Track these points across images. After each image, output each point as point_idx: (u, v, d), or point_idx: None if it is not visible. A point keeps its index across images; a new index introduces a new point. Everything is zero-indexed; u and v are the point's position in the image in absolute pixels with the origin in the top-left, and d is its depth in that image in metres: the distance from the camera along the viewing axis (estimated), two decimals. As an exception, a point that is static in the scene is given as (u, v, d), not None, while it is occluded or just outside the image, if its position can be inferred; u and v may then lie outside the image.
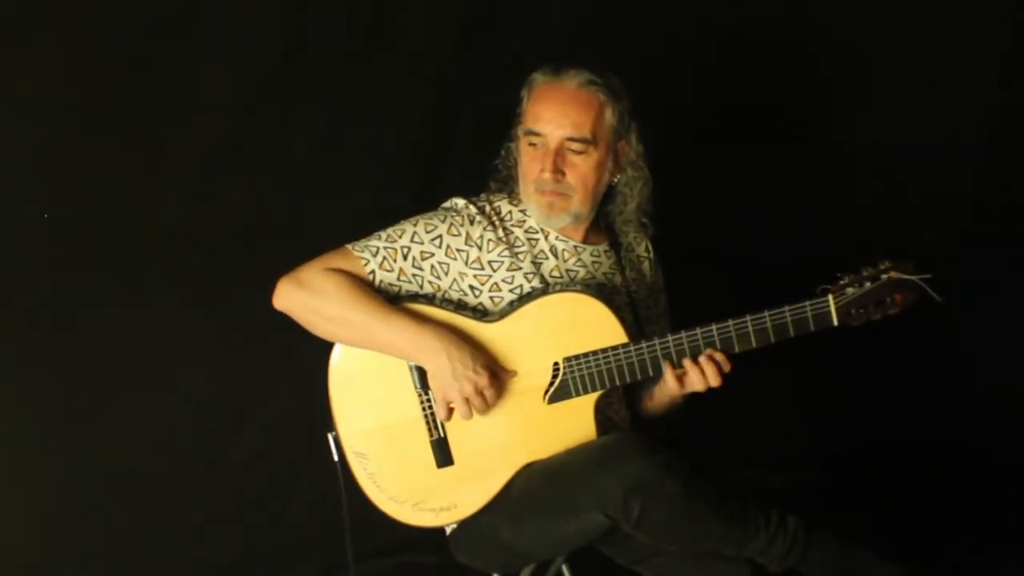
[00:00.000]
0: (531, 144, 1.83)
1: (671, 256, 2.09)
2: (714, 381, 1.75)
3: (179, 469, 2.49)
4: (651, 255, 2.03)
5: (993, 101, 3.00)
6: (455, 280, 1.81)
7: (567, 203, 1.84)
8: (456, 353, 1.71)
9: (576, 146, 1.81)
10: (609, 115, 1.84)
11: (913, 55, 2.95)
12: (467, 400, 1.72)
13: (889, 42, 2.94)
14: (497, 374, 1.76)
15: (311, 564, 2.54)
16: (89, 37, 2.27)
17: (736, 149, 2.91)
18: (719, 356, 1.74)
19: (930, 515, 2.60)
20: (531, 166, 1.83)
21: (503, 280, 1.82)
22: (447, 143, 2.64)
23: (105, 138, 2.33)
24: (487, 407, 1.74)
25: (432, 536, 1.92)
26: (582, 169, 1.82)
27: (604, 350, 1.76)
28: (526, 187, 1.86)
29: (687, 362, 1.74)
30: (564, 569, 2.11)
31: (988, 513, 2.61)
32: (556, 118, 1.80)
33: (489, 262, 1.82)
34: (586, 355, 1.76)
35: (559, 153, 1.81)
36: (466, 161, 2.56)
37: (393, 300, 1.79)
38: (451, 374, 1.71)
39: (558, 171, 1.81)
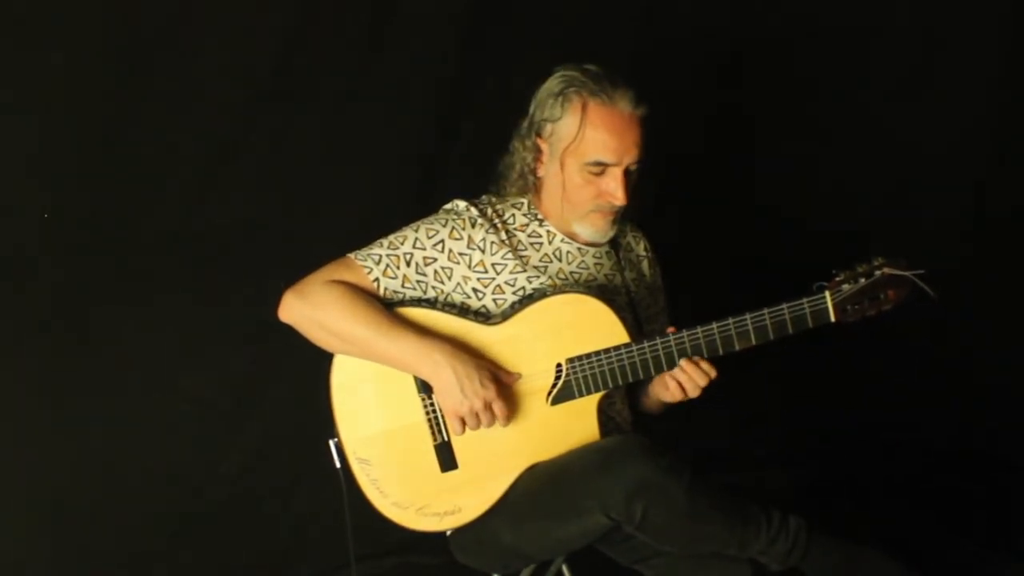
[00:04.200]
0: (593, 173, 1.79)
1: (670, 256, 2.09)
2: (692, 392, 1.78)
3: (179, 469, 2.49)
4: (650, 254, 2.04)
5: (993, 100, 3.01)
6: (458, 284, 1.81)
7: (619, 215, 1.86)
8: (462, 369, 1.70)
9: (635, 167, 1.81)
10: (647, 125, 1.82)
11: (914, 52, 2.96)
12: (477, 415, 1.72)
13: (889, 40, 2.94)
14: (503, 380, 1.75)
15: (311, 564, 2.54)
16: (89, 37, 2.27)
17: (735, 149, 2.91)
18: (704, 364, 1.76)
19: (931, 514, 2.60)
20: (587, 190, 1.80)
21: (506, 282, 1.82)
22: (448, 143, 2.64)
23: (105, 138, 2.33)
24: (495, 419, 1.74)
25: (432, 537, 1.92)
26: (632, 182, 1.83)
27: (606, 350, 1.76)
28: (579, 208, 1.83)
29: (669, 374, 1.77)
30: (564, 569, 2.11)
31: (989, 512, 2.61)
32: (627, 148, 1.77)
33: (492, 265, 1.82)
34: (588, 356, 1.76)
35: (626, 177, 1.80)
36: (467, 161, 2.57)
37: (397, 303, 1.79)
38: (460, 390, 1.70)
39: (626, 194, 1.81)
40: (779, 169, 2.93)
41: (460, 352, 1.72)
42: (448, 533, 1.90)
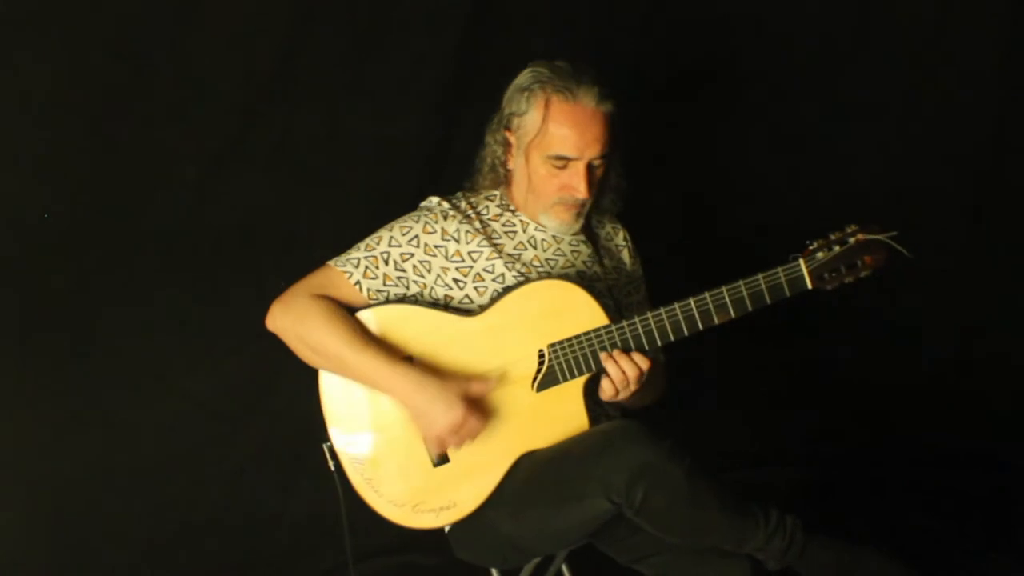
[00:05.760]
0: (556, 167, 1.84)
1: (643, 240, 2.11)
2: (621, 386, 1.76)
3: (179, 469, 2.49)
4: (629, 244, 2.07)
5: (993, 99, 3.01)
6: (438, 276, 1.84)
7: (585, 209, 1.89)
8: (431, 391, 1.72)
9: (599, 161, 1.85)
10: (614, 122, 1.86)
11: (914, 51, 2.96)
12: (454, 433, 1.74)
13: (888, 38, 2.95)
14: (475, 392, 1.76)
15: (311, 564, 2.54)
16: (89, 37, 2.27)
17: (731, 142, 2.92)
18: (636, 356, 1.76)
19: (931, 515, 2.60)
20: (551, 183, 1.85)
21: (484, 270, 1.84)
22: (447, 143, 2.64)
23: (105, 138, 2.33)
24: (475, 434, 1.75)
25: (432, 536, 1.92)
26: (598, 177, 1.88)
27: (587, 333, 1.78)
28: (543, 199, 1.87)
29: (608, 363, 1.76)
30: (564, 569, 2.11)
31: (988, 512, 2.61)
32: (588, 143, 1.82)
33: (469, 253, 1.85)
34: (569, 340, 1.78)
35: (590, 171, 1.84)
36: (466, 161, 2.57)
37: (380, 303, 1.82)
38: (430, 415, 1.72)
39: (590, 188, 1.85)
40: (776, 168, 2.93)
41: (427, 377, 1.73)
42: (447, 530, 1.90)
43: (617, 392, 1.77)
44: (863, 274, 1.75)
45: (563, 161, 1.83)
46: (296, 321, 1.78)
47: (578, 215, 1.88)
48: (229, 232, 2.47)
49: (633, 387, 1.77)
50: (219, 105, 2.41)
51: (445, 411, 1.71)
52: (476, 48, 2.61)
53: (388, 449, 1.81)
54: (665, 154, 2.76)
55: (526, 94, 1.85)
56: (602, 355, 1.76)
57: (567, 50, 1.92)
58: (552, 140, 1.82)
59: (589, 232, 1.99)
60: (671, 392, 2.03)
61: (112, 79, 2.30)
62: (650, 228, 2.14)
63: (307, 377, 1.87)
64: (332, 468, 1.83)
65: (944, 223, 3.02)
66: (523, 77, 1.88)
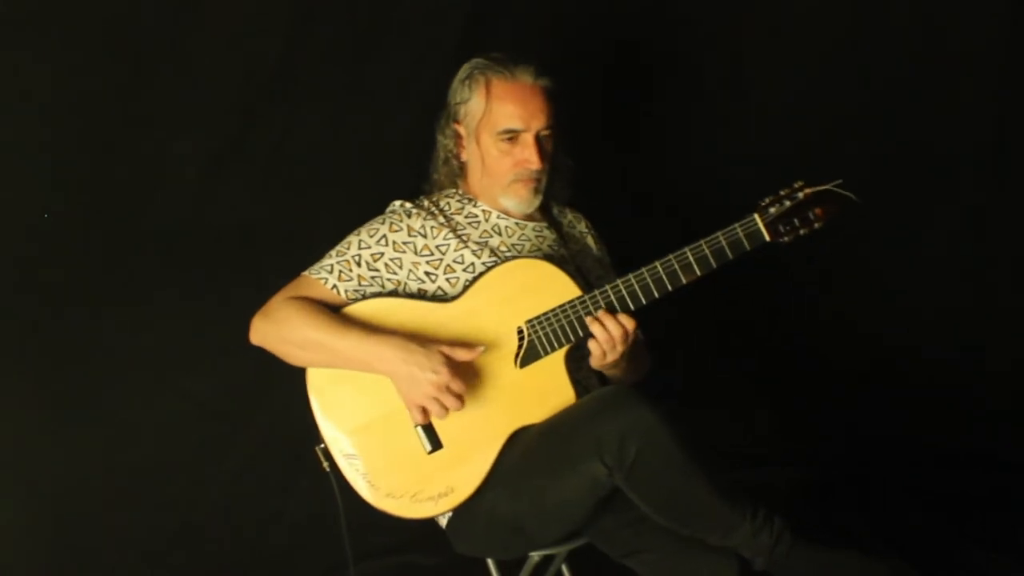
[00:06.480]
0: (506, 142, 1.92)
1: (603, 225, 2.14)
2: (609, 348, 1.79)
3: (179, 469, 2.49)
4: (592, 231, 2.12)
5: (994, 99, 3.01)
6: (410, 271, 1.88)
7: (541, 184, 1.97)
8: (412, 358, 1.74)
9: (546, 132, 1.93)
10: (554, 97, 1.94)
11: (915, 50, 2.96)
12: (436, 400, 1.75)
13: (889, 37, 2.95)
14: (460, 359, 1.77)
15: (311, 564, 2.54)
16: (89, 37, 2.27)
17: (729, 137, 2.92)
18: (622, 316, 1.80)
19: (930, 514, 2.60)
20: (504, 161, 1.93)
21: (454, 261, 1.89)
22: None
23: (105, 138, 2.33)
24: (459, 402, 1.76)
25: (431, 536, 1.92)
26: (548, 151, 1.96)
27: (561, 306, 1.82)
28: (500, 179, 1.94)
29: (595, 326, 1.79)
30: (564, 569, 2.11)
31: (988, 512, 2.60)
32: (533, 114, 1.90)
33: (437, 246, 1.90)
34: (545, 314, 1.82)
35: (539, 143, 1.92)
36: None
37: (359, 300, 1.86)
38: (412, 380, 1.74)
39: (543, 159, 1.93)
40: (772, 168, 2.93)
41: (410, 343, 1.76)
42: (446, 525, 1.90)
43: (604, 354, 1.80)
44: (817, 225, 1.81)
45: (512, 135, 1.91)
46: (276, 324, 1.82)
47: (536, 190, 1.95)
48: (229, 232, 2.47)
49: (620, 347, 1.79)
50: (219, 105, 2.42)
51: (430, 373, 1.73)
52: (476, 48, 2.60)
53: (381, 442, 1.82)
54: (640, 143, 2.79)
55: (467, 82, 1.95)
56: (588, 319, 1.80)
57: (567, 50, 1.93)
58: (498, 117, 1.91)
59: (551, 220, 2.05)
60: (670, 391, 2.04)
61: (112, 79, 2.31)
62: (609, 215, 2.17)
63: (306, 375, 1.87)
64: (327, 469, 1.84)
65: (944, 223, 3.02)
66: (462, 71, 1.98)
